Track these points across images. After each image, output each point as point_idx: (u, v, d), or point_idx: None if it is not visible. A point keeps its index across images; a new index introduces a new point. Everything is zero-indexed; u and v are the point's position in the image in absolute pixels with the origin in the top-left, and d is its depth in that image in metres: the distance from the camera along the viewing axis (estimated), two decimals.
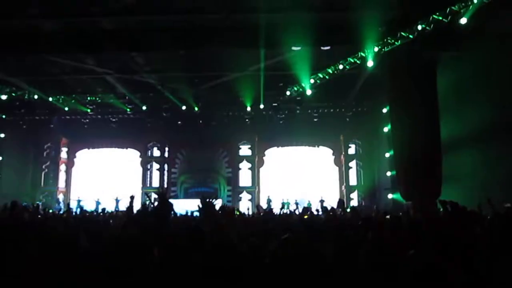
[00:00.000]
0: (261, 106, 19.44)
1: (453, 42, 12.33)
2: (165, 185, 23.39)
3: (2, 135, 21.20)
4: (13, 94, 18.45)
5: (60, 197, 23.68)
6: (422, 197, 12.10)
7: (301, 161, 23.67)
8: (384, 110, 17.27)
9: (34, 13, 12.23)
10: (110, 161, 24.57)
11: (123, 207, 19.98)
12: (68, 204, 18.34)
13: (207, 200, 4.13)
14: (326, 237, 4.26)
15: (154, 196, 6.43)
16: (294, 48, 14.41)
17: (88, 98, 19.78)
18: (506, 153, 11.69)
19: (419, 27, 12.04)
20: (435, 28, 11.82)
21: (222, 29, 12.61)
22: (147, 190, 22.71)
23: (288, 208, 19.37)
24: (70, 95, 19.37)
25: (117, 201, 21.44)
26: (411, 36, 12.36)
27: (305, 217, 7.97)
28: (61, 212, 16.06)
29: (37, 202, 17.95)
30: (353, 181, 23.27)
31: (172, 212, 6.55)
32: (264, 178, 23.98)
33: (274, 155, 24.20)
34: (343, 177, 23.34)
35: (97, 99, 19.76)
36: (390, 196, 17.77)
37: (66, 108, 20.10)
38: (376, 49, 13.53)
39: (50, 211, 18.21)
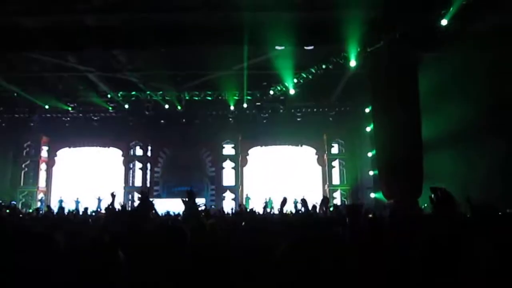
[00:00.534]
0: (245, 105, 19.42)
1: (434, 43, 12.47)
2: (148, 184, 23.24)
3: None
4: None
5: (40, 196, 23.29)
6: (403, 196, 12.22)
7: (285, 161, 23.74)
8: (367, 110, 17.41)
9: (15, 9, 11.99)
10: (91, 160, 24.30)
11: (105, 206, 19.76)
12: (48, 206, 18.02)
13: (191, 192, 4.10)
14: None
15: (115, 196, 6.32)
16: (277, 47, 14.42)
17: (69, 96, 19.49)
18: (485, 153, 11.90)
19: (401, 28, 12.14)
20: (417, 29, 11.94)
21: (205, 27, 12.52)
22: (129, 189, 22.56)
23: (271, 206, 19.38)
24: (51, 93, 19.06)
25: (99, 200, 21.17)
26: (392, 37, 12.45)
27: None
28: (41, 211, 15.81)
29: (13, 202, 17.67)
30: (336, 180, 23.42)
31: (153, 212, 6.50)
32: (248, 177, 23.98)
33: (258, 154, 24.22)
34: (326, 176, 23.46)
35: (79, 97, 19.50)
36: (372, 195, 17.93)
37: (47, 106, 19.79)
38: (358, 49, 13.63)
39: (30, 210, 17.97)
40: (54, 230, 5.26)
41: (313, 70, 15.87)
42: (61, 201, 20.87)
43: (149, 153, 23.97)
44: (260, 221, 7.41)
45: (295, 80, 16.57)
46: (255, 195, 22.14)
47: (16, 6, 11.90)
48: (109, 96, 19.38)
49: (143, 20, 13.03)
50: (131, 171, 23.83)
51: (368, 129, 17.84)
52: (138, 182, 23.61)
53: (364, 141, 19.54)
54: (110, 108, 20.42)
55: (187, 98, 19.39)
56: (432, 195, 4.01)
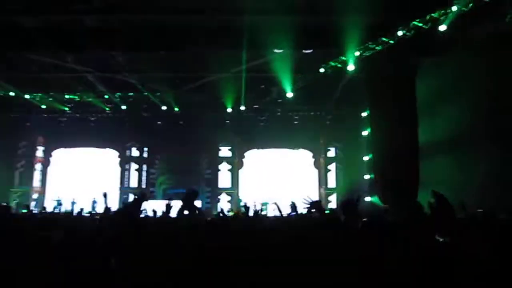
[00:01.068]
0: (242, 108, 19.44)
1: (432, 48, 12.58)
2: (144, 186, 23.19)
3: None
4: None
5: (34, 196, 23.15)
6: (399, 201, 12.29)
7: (281, 163, 23.75)
8: (364, 114, 17.48)
9: (14, 9, 11.98)
10: (87, 161, 24.21)
11: (100, 208, 19.72)
12: (44, 207, 17.93)
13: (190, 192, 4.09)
14: None
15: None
16: (276, 50, 14.47)
17: (67, 97, 19.43)
18: (481, 158, 11.99)
19: (400, 33, 12.25)
20: (415, 34, 12.04)
21: (205, 30, 12.58)
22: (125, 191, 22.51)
23: (266, 209, 19.40)
24: (48, 93, 19.01)
25: (94, 202, 21.11)
26: (391, 42, 12.55)
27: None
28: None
29: (3, 203, 17.55)
30: (332, 183, 23.45)
31: (143, 212, 6.49)
32: (244, 179, 23.97)
33: (254, 157, 24.22)
34: (322, 179, 23.50)
35: (76, 97, 19.45)
36: (368, 199, 17.97)
37: (43, 106, 19.73)
38: (357, 53, 13.71)
39: (24, 211, 17.85)
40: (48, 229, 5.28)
41: (311, 74, 15.92)
42: (58, 201, 20.77)
43: (145, 155, 23.89)
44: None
45: (293, 84, 16.62)
46: (251, 198, 22.12)
47: (16, 5, 11.89)
48: (106, 96, 19.34)
49: (143, 22, 13.06)
50: (127, 172, 23.75)
51: (365, 133, 17.91)
52: (133, 183, 23.55)
53: (361, 145, 19.60)
54: (107, 108, 20.40)
55: (184, 100, 19.40)
56: (432, 200, 4.05)
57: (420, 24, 11.81)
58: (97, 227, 5.90)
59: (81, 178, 23.85)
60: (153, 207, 8.25)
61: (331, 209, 13.24)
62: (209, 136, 22.28)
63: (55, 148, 24.07)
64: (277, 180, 23.09)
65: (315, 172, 24.04)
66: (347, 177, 22.59)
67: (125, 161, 23.79)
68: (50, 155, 24.17)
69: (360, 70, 14.86)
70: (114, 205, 19.51)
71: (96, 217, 12.31)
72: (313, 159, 24.09)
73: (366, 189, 18.49)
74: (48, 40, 12.51)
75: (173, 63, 16.24)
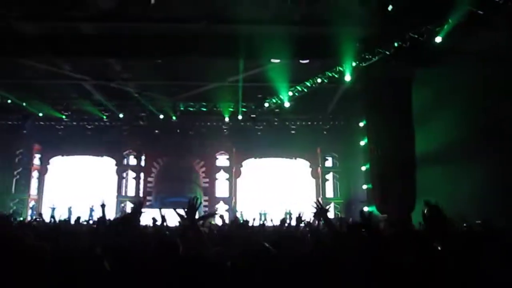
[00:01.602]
0: (239, 117, 19.45)
1: (428, 59, 12.61)
2: (141, 194, 23.10)
3: None
4: None
5: (31, 204, 23.05)
6: (396, 211, 12.26)
7: (278, 173, 23.72)
8: (361, 124, 17.48)
9: (11, 15, 12.00)
10: (84, 169, 24.15)
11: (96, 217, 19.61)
12: (40, 214, 17.81)
13: (192, 203, 4.03)
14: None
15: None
16: (273, 60, 14.51)
17: (64, 104, 19.42)
18: (477, 170, 12.01)
19: (396, 44, 12.29)
20: (411, 45, 12.08)
21: (202, 39, 12.59)
22: (122, 199, 22.42)
23: (265, 219, 19.32)
24: (45, 101, 18.99)
25: (91, 210, 20.99)
26: (387, 52, 12.59)
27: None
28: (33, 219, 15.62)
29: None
30: (329, 193, 23.42)
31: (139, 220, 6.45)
32: (241, 188, 23.92)
33: (252, 166, 24.19)
34: (320, 189, 23.46)
35: (73, 105, 19.44)
36: (366, 209, 17.89)
37: (40, 114, 19.71)
38: (353, 63, 13.75)
39: (20, 219, 17.77)
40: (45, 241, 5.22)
41: (308, 84, 15.96)
42: (53, 209, 20.65)
43: (142, 163, 23.83)
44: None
45: (290, 93, 16.64)
46: (248, 207, 22.06)
47: (13, 11, 11.91)
48: (103, 105, 19.34)
49: (139, 30, 13.09)
50: (124, 180, 23.69)
51: (362, 143, 17.89)
52: (131, 192, 23.47)
53: (358, 155, 19.56)
54: (104, 117, 20.36)
55: (182, 108, 19.42)
56: (425, 210, 4.02)
57: (416, 36, 11.85)
58: (93, 235, 5.86)
59: (78, 186, 23.80)
60: (152, 215, 8.18)
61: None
62: (206, 145, 22.28)
63: (52, 156, 24.03)
64: (275, 189, 23.07)
65: (312, 181, 24.02)
66: (344, 187, 22.57)
67: (122, 169, 23.73)
68: (47, 163, 24.12)
69: (357, 80, 14.90)
70: (111, 214, 19.46)
71: (94, 226, 12.28)
72: (310, 169, 24.08)
73: (363, 199, 18.44)
74: (45, 47, 12.51)
75: (170, 71, 16.27)
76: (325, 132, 21.78)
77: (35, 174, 23.69)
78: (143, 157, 23.78)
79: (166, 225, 6.45)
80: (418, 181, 12.81)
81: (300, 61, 14.66)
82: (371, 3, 11.46)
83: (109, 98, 18.81)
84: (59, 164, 24.29)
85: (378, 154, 14.09)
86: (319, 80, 15.52)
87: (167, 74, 16.40)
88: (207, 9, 11.73)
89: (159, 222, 7.13)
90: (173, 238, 4.01)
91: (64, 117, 20.31)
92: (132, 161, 24.00)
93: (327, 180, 23.68)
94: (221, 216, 8.22)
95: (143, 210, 5.65)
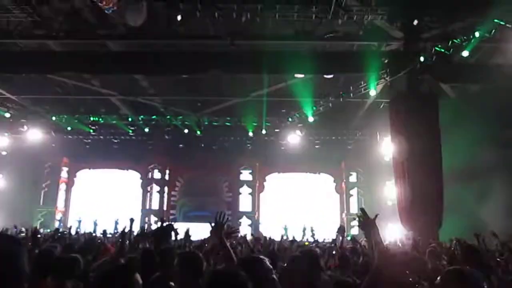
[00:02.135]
0: (263, 132, 19.49)
1: (455, 74, 12.45)
2: (165, 208, 23.29)
3: (4, 153, 21.20)
4: (17, 112, 18.59)
5: (58, 216, 23.48)
6: (423, 228, 11.99)
7: (302, 188, 23.61)
8: (386, 139, 17.28)
9: (42, 33, 12.44)
10: (110, 182, 24.54)
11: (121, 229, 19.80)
12: (70, 228, 18.13)
13: (218, 219, 4.00)
14: None
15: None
16: (297, 75, 14.55)
17: (91, 119, 19.86)
18: (499, 185, 11.87)
19: (422, 59, 12.15)
20: (438, 60, 11.95)
21: (226, 55, 12.74)
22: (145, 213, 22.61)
23: (286, 234, 19.21)
24: (73, 115, 19.46)
25: (116, 223, 21.25)
26: (413, 68, 12.45)
27: None
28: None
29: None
30: (353, 209, 23.13)
31: (174, 235, 6.50)
32: (265, 203, 23.87)
33: (275, 181, 24.15)
34: (344, 204, 23.22)
35: (100, 119, 19.85)
36: (391, 225, 17.59)
37: (69, 128, 20.18)
38: (378, 78, 13.66)
39: (48, 231, 18.10)
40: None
41: (333, 98, 15.91)
42: (79, 222, 21.00)
43: (167, 177, 24.10)
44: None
45: (314, 108, 16.62)
46: (271, 222, 21.97)
47: (44, 30, 12.35)
48: (130, 119, 19.68)
49: (166, 46, 13.36)
50: (148, 194, 23.94)
51: (387, 158, 17.67)
52: (155, 206, 23.69)
53: (383, 170, 19.34)
54: (131, 131, 20.67)
55: (206, 123, 19.58)
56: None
57: (442, 50, 11.72)
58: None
59: (104, 199, 24.18)
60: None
61: (353, 236, 12.97)
62: (230, 159, 22.36)
63: (79, 169, 24.52)
64: (298, 204, 22.94)
65: (336, 197, 23.80)
66: (368, 202, 22.27)
67: (147, 183, 24.01)
68: (75, 176, 24.62)
69: (382, 95, 14.79)
70: (136, 227, 19.61)
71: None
72: (334, 184, 23.89)
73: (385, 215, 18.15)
74: (74, 63, 12.86)
75: (195, 86, 16.49)
76: (349, 147, 21.60)
77: (62, 186, 24.19)
78: (167, 171, 24.04)
79: (189, 239, 6.45)
80: (446, 197, 12.55)
81: (325, 76, 14.66)
82: (397, 18, 11.43)
83: (135, 113, 19.14)
84: (86, 177, 24.77)
85: (403, 170, 13.86)
86: (343, 95, 15.44)
87: (192, 89, 16.62)
88: (232, 26, 11.89)
89: (180, 236, 7.15)
90: (195, 253, 4.02)
91: (91, 131, 20.72)
92: (157, 175, 24.25)
93: (351, 195, 23.44)
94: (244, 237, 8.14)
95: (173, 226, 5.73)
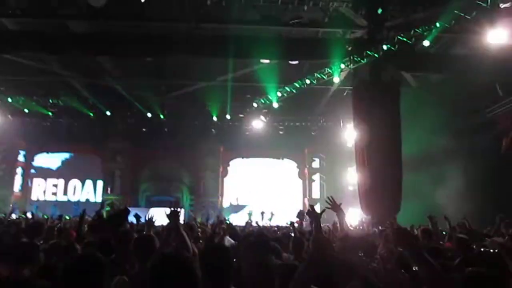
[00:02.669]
0: (228, 117, 19.44)
1: (416, 64, 12.77)
2: (126, 193, 22.97)
3: None
4: None
5: (13, 201, 22.73)
6: (382, 213, 12.34)
7: (265, 173, 23.78)
8: (349, 126, 17.61)
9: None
10: (71, 167, 23.97)
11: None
12: (25, 212, 17.59)
13: (173, 209, 4.05)
14: None
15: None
16: (262, 60, 14.55)
17: (50, 101, 19.21)
18: (457, 173, 12.41)
19: (384, 47, 12.39)
20: (400, 49, 12.21)
21: (191, 38, 12.57)
22: (108, 197, 22.23)
23: (250, 218, 19.38)
24: (31, 97, 18.76)
25: (75, 206, 20.86)
26: (376, 55, 12.69)
27: None
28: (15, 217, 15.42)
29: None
30: (316, 194, 23.53)
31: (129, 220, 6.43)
32: (228, 188, 23.93)
33: (239, 166, 24.21)
34: (306, 190, 23.58)
35: (60, 102, 19.23)
36: (352, 210, 18.00)
37: (26, 110, 19.46)
38: (342, 66, 13.84)
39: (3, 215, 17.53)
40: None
41: (297, 85, 16.01)
42: (36, 207, 20.48)
43: (129, 161, 23.65)
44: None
45: (279, 94, 16.70)
46: (234, 207, 22.12)
47: (0, 7, 11.79)
48: (90, 102, 19.16)
49: (130, 29, 13.04)
50: (110, 179, 23.46)
51: (349, 144, 18.01)
52: (117, 190, 23.28)
53: (345, 157, 19.72)
54: (92, 114, 20.13)
55: (170, 107, 19.33)
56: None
57: (405, 39, 11.98)
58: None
59: (63, 184, 23.66)
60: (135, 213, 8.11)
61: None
62: (193, 144, 22.19)
63: (37, 153, 23.76)
64: (262, 189, 23.14)
65: (299, 182, 24.12)
66: (331, 188, 22.69)
67: (109, 168, 23.52)
68: (32, 160, 23.84)
69: (346, 82, 15.01)
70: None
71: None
72: (297, 169, 24.18)
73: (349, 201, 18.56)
74: (32, 43, 12.35)
75: (159, 70, 16.22)
76: (313, 133, 21.86)
77: (19, 170, 23.40)
78: (130, 156, 23.61)
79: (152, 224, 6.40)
80: (404, 183, 12.95)
81: (289, 62, 14.72)
82: (361, 6, 11.57)
83: (96, 96, 18.66)
84: (45, 161, 24.05)
85: (364, 156, 14.18)
86: (308, 82, 15.57)
87: (156, 72, 16.34)
88: (197, 9, 11.73)
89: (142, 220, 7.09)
90: (151, 236, 4.05)
91: (50, 114, 20.06)
92: (119, 159, 23.76)
93: (314, 181, 23.80)
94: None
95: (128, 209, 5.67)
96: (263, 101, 17.86)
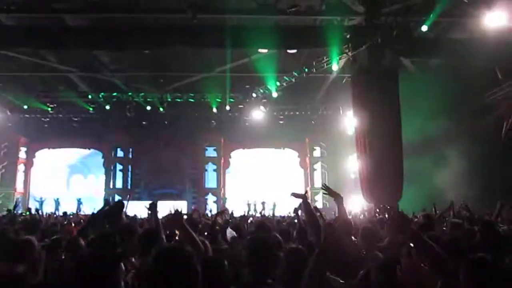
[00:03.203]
0: (227, 108, 19.40)
1: (415, 49, 12.70)
2: (129, 187, 23.03)
3: None
4: None
5: (16, 198, 22.79)
6: (384, 199, 12.36)
7: (267, 163, 23.80)
8: (349, 113, 17.56)
9: None
10: (71, 162, 24.04)
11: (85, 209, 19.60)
12: (29, 208, 17.64)
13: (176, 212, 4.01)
14: None
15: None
16: (260, 50, 14.48)
17: (49, 97, 19.18)
18: (459, 157, 12.37)
19: (383, 33, 12.31)
20: (398, 35, 12.13)
21: (188, 29, 12.50)
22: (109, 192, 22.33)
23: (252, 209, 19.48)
24: (30, 93, 18.73)
25: (79, 202, 20.91)
26: (374, 42, 12.61)
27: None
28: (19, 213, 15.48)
29: None
30: (318, 183, 23.55)
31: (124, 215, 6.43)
32: (230, 179, 23.97)
33: (240, 157, 24.23)
34: (308, 179, 23.60)
35: (59, 97, 19.20)
36: (354, 197, 18.03)
37: (25, 106, 19.45)
38: (341, 53, 13.77)
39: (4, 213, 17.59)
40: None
41: (296, 73, 15.96)
42: (41, 202, 20.53)
43: (130, 155, 23.73)
44: None
45: (278, 83, 16.65)
46: (237, 198, 22.13)
47: None
48: (90, 97, 19.13)
49: (125, 21, 12.97)
50: (112, 173, 23.54)
51: (350, 132, 17.98)
52: (119, 184, 23.37)
53: (346, 145, 19.68)
54: (91, 109, 20.10)
55: (169, 100, 19.29)
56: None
57: (403, 25, 11.91)
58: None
59: (65, 179, 23.73)
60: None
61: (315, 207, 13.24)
62: (194, 136, 22.20)
63: (38, 149, 23.79)
64: (263, 179, 23.15)
65: (301, 171, 24.14)
66: (332, 176, 22.71)
67: (110, 162, 23.59)
68: (33, 156, 23.88)
69: (345, 70, 14.94)
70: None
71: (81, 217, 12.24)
72: (298, 159, 24.19)
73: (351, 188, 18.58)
74: (29, 38, 12.28)
75: (157, 62, 16.16)
76: (313, 122, 21.83)
77: (21, 167, 23.45)
78: (131, 149, 23.67)
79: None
80: (405, 169, 12.96)
81: (288, 51, 14.66)
82: None
83: (96, 90, 18.62)
84: (46, 157, 24.09)
85: (365, 143, 14.17)
86: (306, 70, 15.52)
87: (155, 65, 16.29)
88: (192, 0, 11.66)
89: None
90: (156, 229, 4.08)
91: (50, 109, 20.04)
92: (120, 153, 23.83)
93: (315, 169, 23.82)
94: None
95: (125, 202, 5.68)
96: (262, 91, 17.81)
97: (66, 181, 23.85)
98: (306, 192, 4.47)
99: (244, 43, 12.83)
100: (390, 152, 12.97)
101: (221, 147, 23.63)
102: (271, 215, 14.49)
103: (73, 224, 7.79)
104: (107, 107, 19.70)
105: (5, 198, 22.34)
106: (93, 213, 6.78)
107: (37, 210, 15.46)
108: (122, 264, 2.64)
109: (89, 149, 23.98)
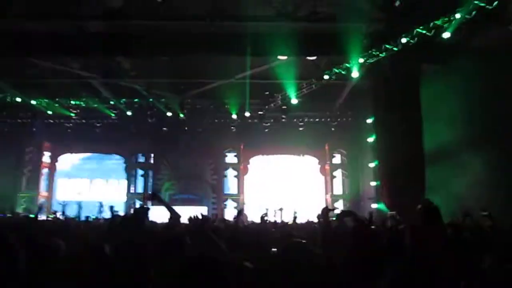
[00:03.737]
0: (247, 114, 19.43)
1: (436, 56, 12.52)
2: (150, 192, 23.21)
3: None
4: None
5: (40, 201, 23.23)
6: (405, 207, 12.17)
7: (286, 170, 23.72)
8: (369, 121, 17.39)
9: (17, 13, 12.08)
10: (94, 166, 24.37)
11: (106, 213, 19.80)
12: (55, 211, 17.95)
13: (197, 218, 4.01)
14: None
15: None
16: (280, 57, 14.49)
17: (72, 102, 19.55)
18: (483, 166, 12.08)
19: (403, 40, 12.17)
20: (419, 41, 11.98)
21: (208, 36, 12.60)
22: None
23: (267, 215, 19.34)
24: (53, 99, 19.12)
25: (100, 207, 21.14)
26: (395, 49, 12.49)
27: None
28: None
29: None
30: (338, 190, 23.36)
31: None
32: (249, 186, 23.94)
33: (259, 163, 24.20)
34: (328, 186, 23.41)
35: (81, 103, 19.55)
36: (374, 206, 17.82)
37: (49, 112, 19.86)
38: (361, 60, 13.65)
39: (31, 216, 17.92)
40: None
41: (316, 80, 15.91)
42: (64, 206, 20.82)
43: (151, 160, 23.96)
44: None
45: (298, 90, 16.61)
46: (255, 204, 22.06)
47: (19, 10, 12.00)
48: (111, 102, 19.42)
49: (147, 28, 13.13)
50: (133, 178, 23.81)
51: (370, 139, 17.80)
52: (140, 189, 23.61)
53: (366, 152, 19.49)
54: (113, 114, 20.43)
55: (189, 106, 19.44)
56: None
57: (424, 31, 11.74)
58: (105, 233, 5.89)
59: (88, 184, 24.07)
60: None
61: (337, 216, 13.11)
62: (214, 142, 22.30)
63: (61, 154, 24.23)
64: (283, 186, 23.06)
65: (320, 178, 23.97)
66: (352, 184, 22.50)
67: (131, 167, 23.86)
68: (56, 160, 24.32)
69: (365, 77, 14.82)
70: (121, 212, 19.59)
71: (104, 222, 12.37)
72: (318, 166, 24.04)
73: (371, 196, 18.38)
74: (52, 45, 12.56)
75: (178, 69, 16.31)
76: (333, 129, 21.69)
77: (44, 171, 23.91)
78: (151, 155, 23.90)
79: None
80: (427, 177, 12.75)
81: (307, 58, 14.63)
82: None
83: (117, 96, 18.90)
84: (69, 161, 24.51)
85: (386, 151, 14.02)
86: (326, 77, 15.44)
87: (175, 71, 16.44)
88: (213, 7, 11.74)
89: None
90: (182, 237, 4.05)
91: (73, 115, 20.44)
92: (141, 158, 24.10)
93: (335, 177, 23.61)
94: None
95: (149, 206, 5.72)
96: (281, 98, 17.79)
97: (88, 185, 24.16)
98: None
99: (263, 51, 12.86)
100: (411, 160, 12.80)
101: (241, 153, 23.65)
102: (290, 222, 14.38)
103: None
104: (129, 113, 19.99)
105: (29, 201, 22.80)
106: (113, 218, 6.88)
107: (63, 213, 15.71)
108: None
109: (110, 154, 24.27)
